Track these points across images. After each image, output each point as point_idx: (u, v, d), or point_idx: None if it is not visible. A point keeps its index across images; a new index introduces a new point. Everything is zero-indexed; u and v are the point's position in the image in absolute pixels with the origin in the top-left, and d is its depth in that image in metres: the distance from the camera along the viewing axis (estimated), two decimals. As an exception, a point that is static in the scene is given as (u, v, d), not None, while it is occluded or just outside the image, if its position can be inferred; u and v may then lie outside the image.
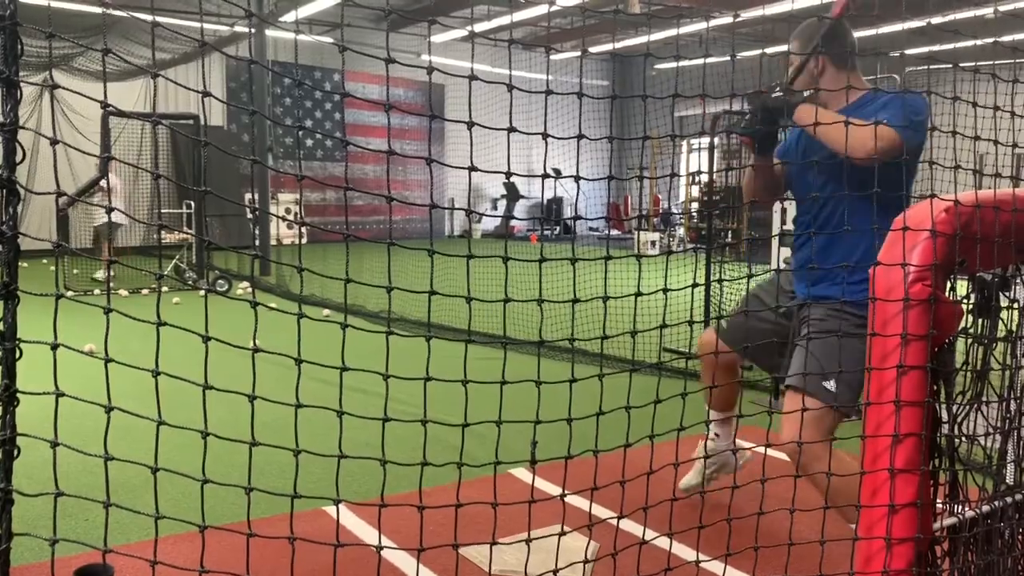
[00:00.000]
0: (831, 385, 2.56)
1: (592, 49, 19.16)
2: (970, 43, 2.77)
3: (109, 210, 1.46)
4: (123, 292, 9.78)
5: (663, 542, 2.12)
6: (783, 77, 2.91)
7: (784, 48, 2.96)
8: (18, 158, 1.31)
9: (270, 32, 13.51)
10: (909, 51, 2.14)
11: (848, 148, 2.34)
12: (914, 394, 1.79)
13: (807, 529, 2.47)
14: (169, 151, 15.51)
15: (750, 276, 2.77)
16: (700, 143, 17.83)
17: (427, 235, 20.43)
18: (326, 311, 8.31)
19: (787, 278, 3.04)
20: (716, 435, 3.38)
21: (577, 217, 1.79)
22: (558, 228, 21.26)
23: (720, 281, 2.81)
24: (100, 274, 10.51)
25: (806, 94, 2.79)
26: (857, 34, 2.83)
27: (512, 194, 21.00)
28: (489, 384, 1.73)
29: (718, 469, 3.42)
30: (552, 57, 18.97)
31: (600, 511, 2.31)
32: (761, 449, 2.14)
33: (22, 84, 1.30)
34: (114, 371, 1.45)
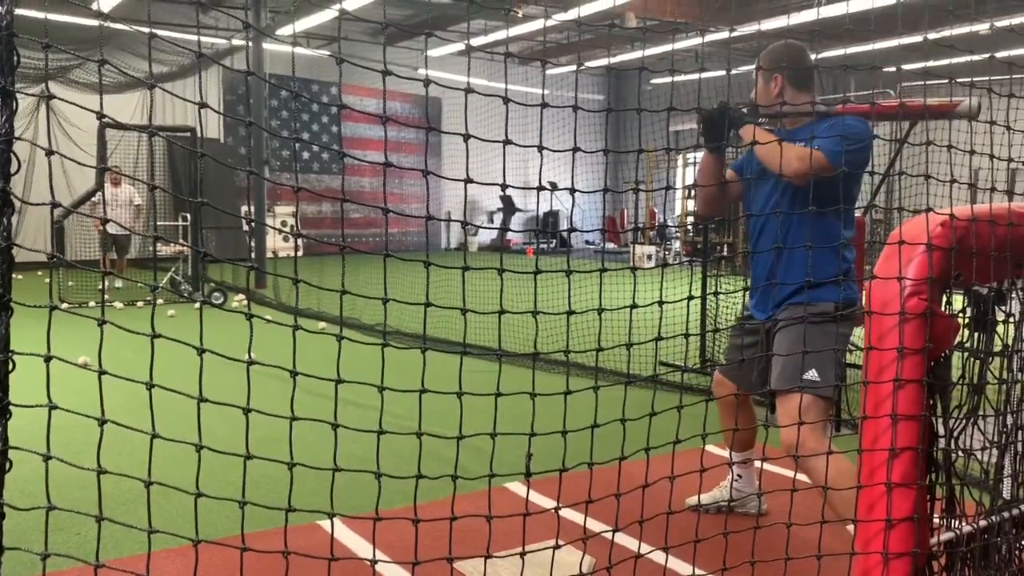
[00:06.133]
0: (812, 375, 2.74)
1: (588, 63, 19.24)
2: (965, 59, 2.83)
3: (104, 221, 1.46)
4: (118, 304, 9.76)
5: (659, 556, 2.11)
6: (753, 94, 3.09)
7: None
8: (13, 169, 1.30)
9: (267, 45, 13.55)
10: (905, 67, 2.15)
11: (780, 166, 2.58)
12: (910, 408, 1.78)
13: (803, 543, 2.47)
14: (165, 163, 15.51)
15: (746, 290, 2.78)
16: (695, 157, 17.89)
17: (423, 248, 20.44)
18: (322, 324, 8.30)
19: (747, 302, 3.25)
20: (739, 476, 3.48)
21: (573, 229, 1.79)
22: (554, 241, 21.28)
23: (716, 294, 2.83)
24: (119, 283, 10.53)
25: (761, 115, 2.98)
26: (853, 50, 2.90)
27: (508, 207, 21.04)
28: (484, 396, 1.72)
29: (739, 506, 3.52)
30: (548, 71, 19.04)
31: (595, 525, 2.30)
32: (758, 464, 2.14)
33: (18, 95, 1.30)
34: (108, 384, 1.44)
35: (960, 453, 1.94)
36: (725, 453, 3.65)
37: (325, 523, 3.25)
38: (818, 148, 2.66)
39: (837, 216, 2.81)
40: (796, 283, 2.81)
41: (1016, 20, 11.84)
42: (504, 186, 1.78)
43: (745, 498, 3.48)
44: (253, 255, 12.74)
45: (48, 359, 1.38)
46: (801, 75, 2.99)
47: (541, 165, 1.75)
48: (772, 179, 2.87)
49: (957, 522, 1.95)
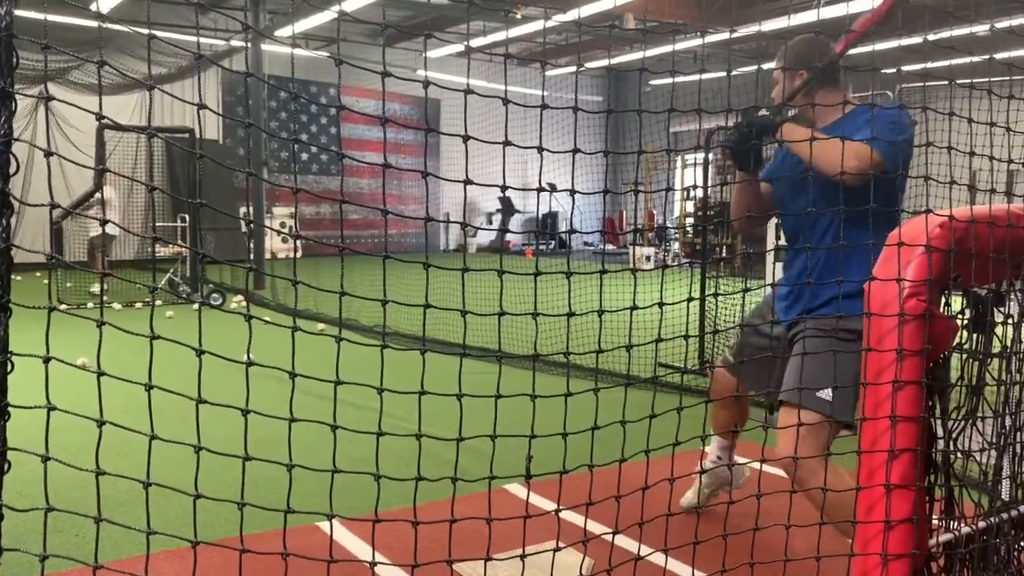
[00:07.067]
0: (826, 394, 2.55)
1: (588, 64, 19.25)
2: (965, 60, 2.81)
3: (103, 222, 1.46)
4: (117, 306, 9.76)
5: (659, 558, 2.11)
6: (771, 94, 2.96)
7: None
8: (11, 170, 1.30)
9: (266, 46, 13.55)
10: (905, 68, 2.15)
11: (823, 164, 2.36)
12: (909, 409, 1.78)
13: (803, 545, 2.47)
14: (164, 165, 15.52)
15: (746, 291, 2.78)
16: (695, 159, 17.92)
17: (422, 249, 20.43)
18: (321, 325, 8.30)
19: (771, 303, 3.06)
20: (719, 457, 3.41)
21: (572, 231, 1.79)
22: (553, 243, 21.29)
23: (716, 295, 2.81)
24: (96, 287, 10.50)
25: (791, 112, 2.83)
26: (852, 51, 2.85)
27: (507, 209, 21.05)
28: (484, 398, 1.72)
29: (718, 486, 3.44)
30: (548, 73, 19.05)
31: (595, 527, 2.30)
32: (757, 465, 2.14)
33: (17, 96, 1.30)
34: (107, 385, 1.44)
35: (959, 454, 1.94)
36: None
37: (324, 525, 3.25)
38: (867, 142, 2.40)
39: (884, 219, 2.42)
40: (828, 291, 2.66)
41: (1016, 21, 11.86)
42: (503, 187, 1.78)
43: (721, 479, 3.41)
44: (252, 256, 12.74)
45: (47, 360, 1.38)
46: (829, 70, 2.81)
47: (541, 166, 1.75)
48: (810, 180, 2.61)
49: (956, 523, 1.95)
